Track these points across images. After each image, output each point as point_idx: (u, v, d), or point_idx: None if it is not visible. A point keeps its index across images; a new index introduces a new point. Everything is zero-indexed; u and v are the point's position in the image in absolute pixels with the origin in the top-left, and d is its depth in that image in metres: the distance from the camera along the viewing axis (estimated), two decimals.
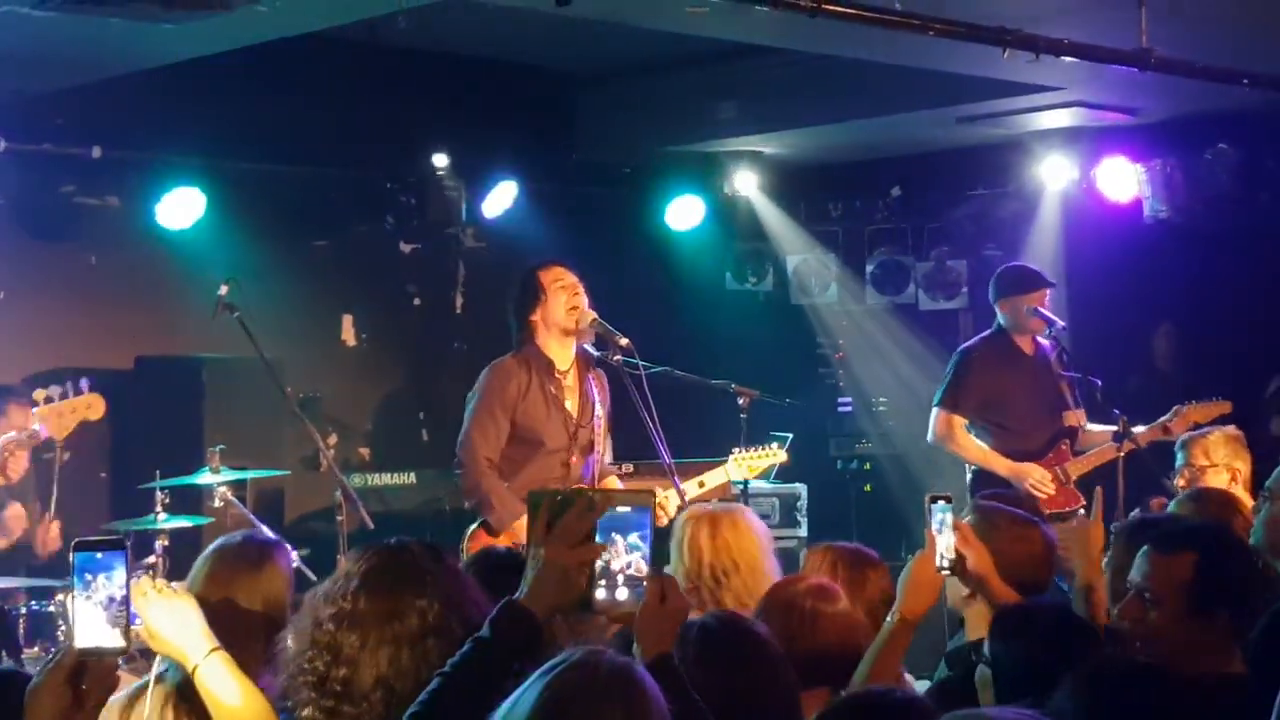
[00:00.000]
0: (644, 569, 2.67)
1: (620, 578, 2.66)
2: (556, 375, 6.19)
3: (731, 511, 4.47)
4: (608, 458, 6.49)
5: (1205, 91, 7.22)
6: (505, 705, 2.30)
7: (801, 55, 8.23)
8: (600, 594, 2.66)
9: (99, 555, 2.58)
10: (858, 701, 2.61)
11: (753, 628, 3.25)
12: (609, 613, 2.73)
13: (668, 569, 4.25)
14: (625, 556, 2.66)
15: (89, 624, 2.57)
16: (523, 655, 2.61)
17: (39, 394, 6.08)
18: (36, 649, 6.03)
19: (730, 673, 3.06)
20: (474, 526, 6.11)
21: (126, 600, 2.59)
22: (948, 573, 3.60)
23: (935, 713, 2.45)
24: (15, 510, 6.67)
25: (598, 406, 6.24)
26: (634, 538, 2.67)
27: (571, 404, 6.21)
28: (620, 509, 2.66)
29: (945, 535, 3.58)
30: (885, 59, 7.61)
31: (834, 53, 7.87)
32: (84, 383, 6.10)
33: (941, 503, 3.60)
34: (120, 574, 2.58)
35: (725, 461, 6.64)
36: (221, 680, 2.86)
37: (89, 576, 2.57)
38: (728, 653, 3.11)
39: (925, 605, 3.50)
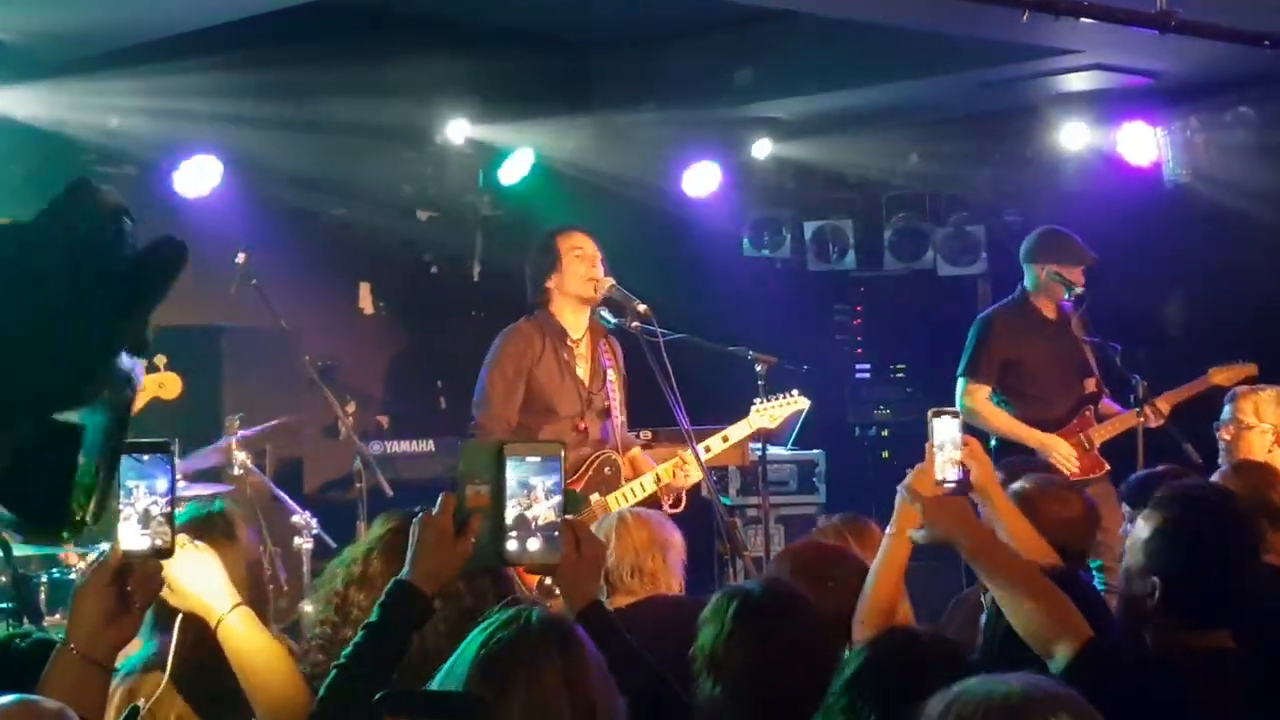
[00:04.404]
0: (551, 517, 2.67)
1: (534, 527, 2.66)
2: (569, 343, 6.21)
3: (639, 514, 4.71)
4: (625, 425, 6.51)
5: (1226, 54, 7.15)
6: (443, 670, 2.31)
7: (819, 21, 8.18)
8: (512, 545, 2.66)
9: (144, 459, 2.58)
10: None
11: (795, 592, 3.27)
12: (525, 565, 2.75)
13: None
14: (544, 503, 2.66)
15: (132, 526, 2.58)
16: (415, 631, 2.64)
17: None
18: (58, 616, 6.03)
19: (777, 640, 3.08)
20: None
21: (171, 503, 2.60)
22: (952, 486, 3.53)
23: None
24: None
25: (609, 373, 6.26)
26: (549, 484, 2.67)
27: (583, 371, 6.25)
28: (531, 459, 2.67)
29: (947, 450, 3.52)
30: (903, 23, 7.56)
31: (852, 18, 7.82)
32: (160, 359, 6.12)
33: (946, 417, 3.53)
34: (163, 479, 2.59)
35: (747, 415, 6.57)
36: (246, 634, 2.90)
37: (132, 480, 2.58)
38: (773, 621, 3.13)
39: (916, 518, 3.52)
